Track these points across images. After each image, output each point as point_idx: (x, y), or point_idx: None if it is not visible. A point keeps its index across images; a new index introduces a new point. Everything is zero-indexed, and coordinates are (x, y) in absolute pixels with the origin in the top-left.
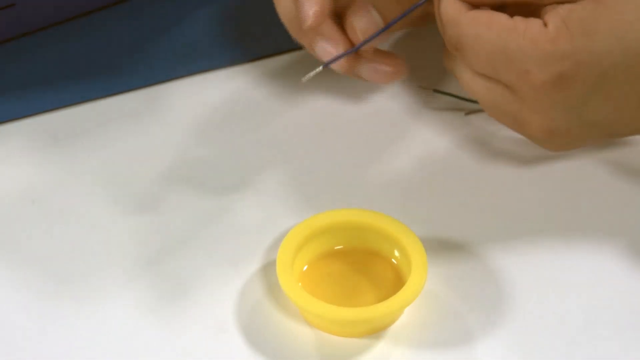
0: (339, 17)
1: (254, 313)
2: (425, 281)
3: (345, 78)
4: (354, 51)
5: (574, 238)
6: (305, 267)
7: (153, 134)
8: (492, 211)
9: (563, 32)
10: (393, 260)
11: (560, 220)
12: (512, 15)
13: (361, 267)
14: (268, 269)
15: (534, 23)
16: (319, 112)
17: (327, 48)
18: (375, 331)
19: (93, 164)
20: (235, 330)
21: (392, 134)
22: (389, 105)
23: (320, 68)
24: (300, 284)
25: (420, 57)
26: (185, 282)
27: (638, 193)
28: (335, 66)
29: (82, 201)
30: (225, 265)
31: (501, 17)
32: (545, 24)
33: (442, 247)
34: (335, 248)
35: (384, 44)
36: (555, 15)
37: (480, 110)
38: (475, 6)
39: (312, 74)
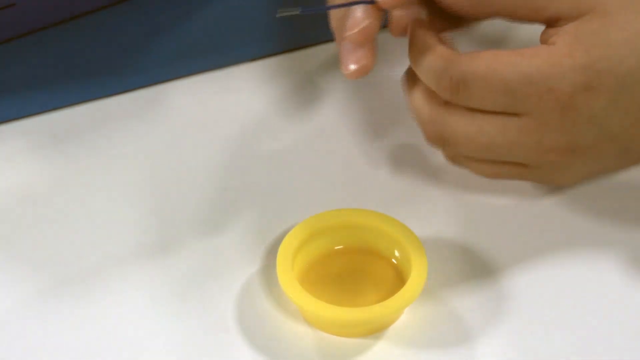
0: None
1: (254, 313)
2: (425, 281)
3: (346, 80)
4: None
5: (575, 238)
6: (305, 267)
7: (153, 134)
8: (492, 211)
9: (577, 46)
10: (393, 260)
11: (560, 220)
12: None
13: (361, 267)
14: (268, 269)
15: (540, 48)
16: (319, 111)
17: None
18: (375, 331)
19: (93, 163)
20: (235, 330)
21: (391, 134)
22: (388, 105)
23: (298, 11)
24: (300, 284)
25: None
26: (185, 282)
27: (637, 189)
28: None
29: (82, 201)
30: (226, 266)
31: (503, 51)
32: (552, 45)
33: (442, 247)
34: (335, 248)
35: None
36: (563, 34)
37: None
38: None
39: (287, 12)
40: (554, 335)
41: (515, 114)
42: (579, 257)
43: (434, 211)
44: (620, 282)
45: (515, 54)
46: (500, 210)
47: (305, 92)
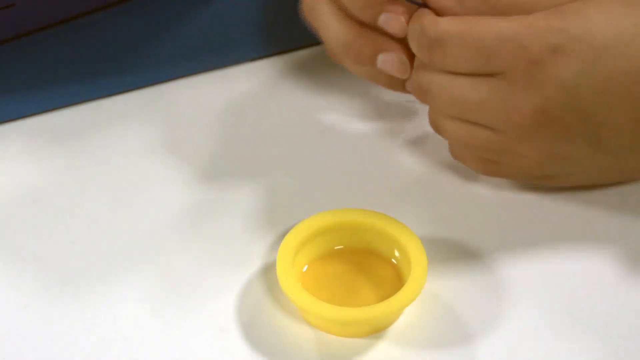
0: None
1: (254, 313)
2: (425, 281)
3: (345, 78)
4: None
5: (574, 238)
6: (305, 267)
7: (153, 133)
8: (492, 211)
9: (555, 13)
10: (393, 260)
11: (561, 221)
12: None
13: (361, 267)
14: (268, 269)
15: (519, 15)
16: (320, 111)
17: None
18: (375, 331)
19: (93, 163)
20: (235, 330)
21: (392, 133)
22: (389, 104)
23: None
24: (300, 284)
25: None
26: (185, 282)
27: (635, 193)
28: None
29: (82, 201)
30: (226, 265)
31: (482, 16)
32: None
33: (442, 247)
34: (335, 248)
35: None
36: (543, 9)
37: None
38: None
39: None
40: (553, 335)
41: (488, 75)
42: (580, 257)
43: (434, 211)
44: (622, 283)
45: (493, 17)
46: (501, 210)
47: (305, 92)
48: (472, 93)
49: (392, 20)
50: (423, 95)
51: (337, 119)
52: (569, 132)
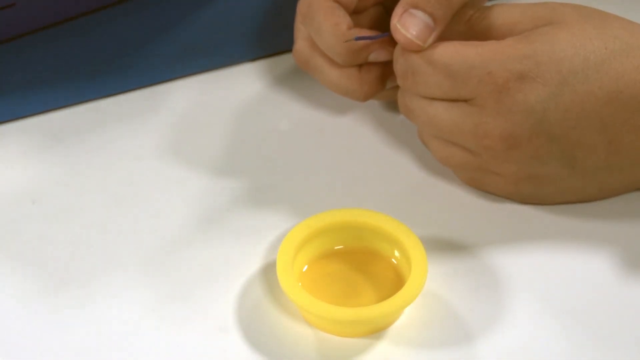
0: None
1: (254, 313)
2: (425, 281)
3: None
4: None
5: (574, 238)
6: (305, 267)
7: (153, 133)
8: (492, 211)
9: (523, 40)
10: (393, 260)
11: (560, 220)
12: None
13: (361, 267)
14: (268, 269)
15: (489, 41)
16: (319, 111)
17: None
18: (375, 331)
19: (93, 163)
20: (235, 330)
21: (392, 133)
22: (389, 104)
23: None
24: (300, 284)
25: None
26: (185, 282)
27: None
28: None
29: (82, 201)
30: (225, 265)
31: (454, 42)
32: (502, 40)
33: (442, 247)
34: (335, 248)
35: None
36: (515, 35)
37: None
38: None
39: (351, 39)
40: (553, 335)
41: (460, 100)
42: (579, 256)
43: (434, 211)
44: (622, 283)
45: (463, 44)
46: (501, 210)
47: (304, 92)
48: (445, 116)
49: (381, 54)
50: (408, 114)
51: (337, 119)
52: (541, 154)
